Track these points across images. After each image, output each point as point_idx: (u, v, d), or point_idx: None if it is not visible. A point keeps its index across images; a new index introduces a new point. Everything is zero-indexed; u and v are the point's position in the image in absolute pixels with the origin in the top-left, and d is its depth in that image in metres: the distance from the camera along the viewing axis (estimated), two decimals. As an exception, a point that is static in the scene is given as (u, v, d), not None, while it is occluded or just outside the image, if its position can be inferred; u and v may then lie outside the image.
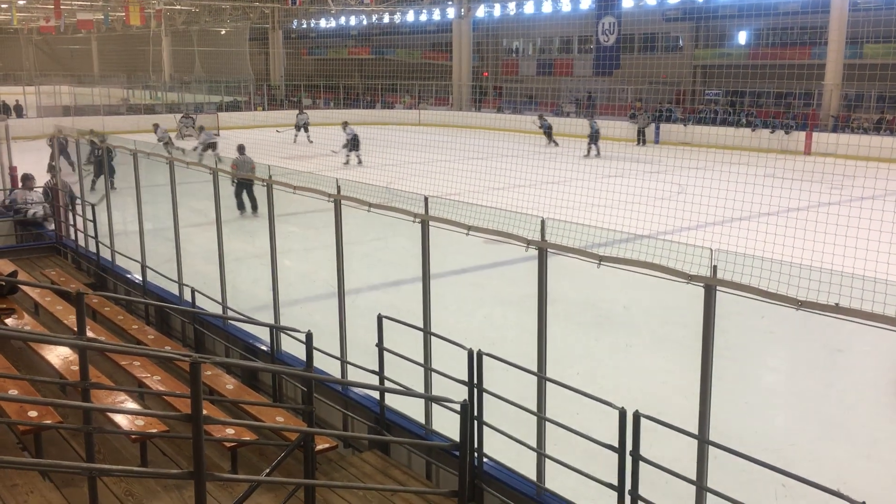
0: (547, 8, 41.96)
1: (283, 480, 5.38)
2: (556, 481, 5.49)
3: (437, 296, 6.56)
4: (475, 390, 5.57)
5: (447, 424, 6.00)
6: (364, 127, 32.24)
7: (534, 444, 5.48)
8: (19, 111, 40.23)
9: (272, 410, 6.56)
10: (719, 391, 4.76)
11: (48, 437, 5.77)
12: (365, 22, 52.14)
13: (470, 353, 5.55)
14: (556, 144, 33.25)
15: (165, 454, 6.00)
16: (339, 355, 7.13)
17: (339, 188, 6.99)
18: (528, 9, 43.05)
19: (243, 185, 17.00)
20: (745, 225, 12.79)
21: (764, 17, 37.78)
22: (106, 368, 7.24)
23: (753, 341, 9.94)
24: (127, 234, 11.69)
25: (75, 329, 5.31)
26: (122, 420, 5.82)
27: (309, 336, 6.07)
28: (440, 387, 6.12)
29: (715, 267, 4.45)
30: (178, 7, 52.79)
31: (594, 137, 30.21)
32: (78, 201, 12.38)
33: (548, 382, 5.43)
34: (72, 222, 12.24)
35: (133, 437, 5.72)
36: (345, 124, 28.38)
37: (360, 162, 26.88)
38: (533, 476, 5.54)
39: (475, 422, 5.58)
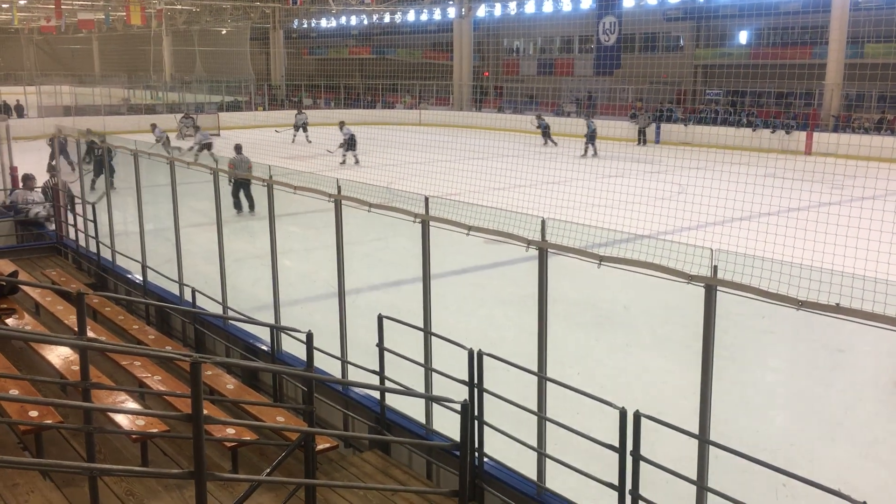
0: (548, 7, 41.97)
1: (284, 480, 5.38)
2: (557, 481, 5.50)
3: (438, 296, 6.56)
4: (475, 390, 5.57)
5: (448, 424, 6.00)
6: (365, 127, 32.26)
7: (534, 444, 5.48)
8: (20, 111, 40.24)
9: (273, 410, 6.56)
10: (720, 391, 4.76)
11: (49, 437, 5.78)
12: (366, 22, 52.17)
13: (470, 353, 5.56)
14: (555, 144, 33.25)
15: (166, 454, 6.01)
16: (339, 355, 7.13)
17: (339, 188, 6.99)
18: (529, 8, 43.05)
19: (240, 185, 17.05)
20: (746, 225, 12.79)
21: (765, 16, 37.77)
22: (106, 368, 7.24)
23: (754, 341, 9.94)
24: (127, 234, 11.70)
25: (76, 329, 5.32)
26: (122, 420, 5.82)
27: (309, 336, 6.07)
28: (440, 387, 6.12)
29: (715, 267, 4.45)
30: (179, 7, 52.81)
31: (591, 137, 30.22)
32: (77, 200, 12.38)
33: (548, 382, 5.43)
34: (72, 222, 12.24)
35: (134, 436, 5.72)
36: (341, 124, 28.44)
37: (356, 161, 26.92)
38: (533, 476, 5.54)
39: (476, 422, 5.58)
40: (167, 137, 25.77)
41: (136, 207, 10.47)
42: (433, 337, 6.29)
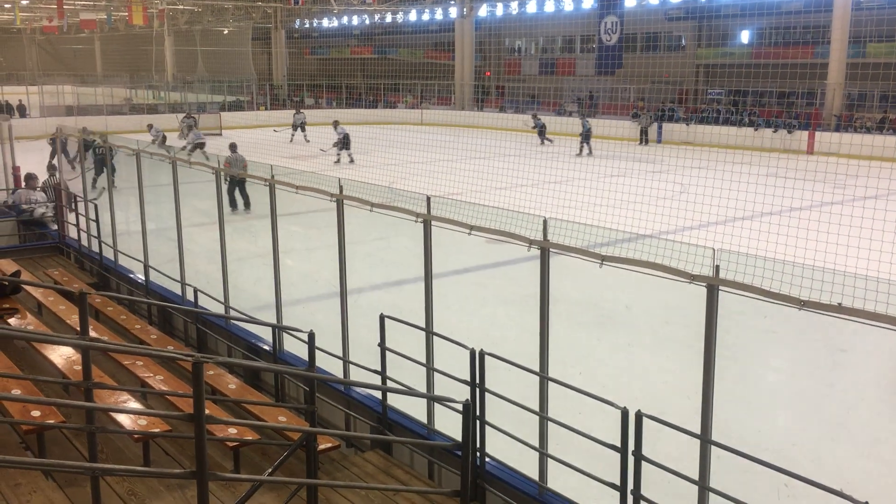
0: (549, 7, 41.98)
1: (286, 480, 5.38)
2: (559, 481, 5.50)
3: (440, 295, 6.57)
4: (477, 390, 5.57)
5: (449, 424, 6.00)
6: (367, 126, 32.24)
7: (536, 444, 5.48)
8: (22, 111, 40.29)
9: (274, 410, 6.56)
10: (721, 391, 4.76)
11: (51, 437, 5.78)
12: (367, 21, 52.19)
13: (472, 352, 5.55)
14: (551, 142, 33.25)
15: (168, 454, 6.01)
16: (341, 355, 7.14)
17: (341, 188, 6.99)
18: (531, 8, 43.05)
19: (235, 183, 17.12)
20: (748, 225, 12.78)
21: (766, 16, 37.73)
22: (109, 368, 7.25)
23: (756, 341, 9.93)
24: (129, 233, 11.71)
25: (78, 329, 5.32)
26: (124, 420, 5.83)
27: (311, 336, 6.07)
28: (442, 386, 6.12)
29: (717, 267, 4.45)
30: (181, 7, 52.83)
31: (586, 136, 30.25)
32: (79, 199, 12.39)
33: (550, 382, 5.43)
34: (74, 222, 12.26)
35: (136, 436, 5.73)
36: (335, 123, 28.54)
37: (351, 160, 26.98)
38: (535, 476, 5.54)
39: (477, 421, 5.58)
40: (163, 136, 25.85)
41: (138, 207, 10.48)
42: (435, 337, 6.29)
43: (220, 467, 5.88)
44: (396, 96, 49.59)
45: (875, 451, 7.44)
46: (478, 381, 5.56)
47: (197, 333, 8.92)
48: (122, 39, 61.26)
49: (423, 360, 6.34)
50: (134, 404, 6.15)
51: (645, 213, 13.21)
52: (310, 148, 31.09)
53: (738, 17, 38.82)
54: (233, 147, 18.61)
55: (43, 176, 15.38)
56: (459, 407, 5.41)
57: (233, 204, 17.22)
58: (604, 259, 5.04)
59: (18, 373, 6.42)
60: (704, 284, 4.51)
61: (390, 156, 25.73)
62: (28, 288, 9.19)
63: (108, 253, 11.21)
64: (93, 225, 11.46)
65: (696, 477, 4.62)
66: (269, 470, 4.98)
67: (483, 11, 46.47)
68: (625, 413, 4.67)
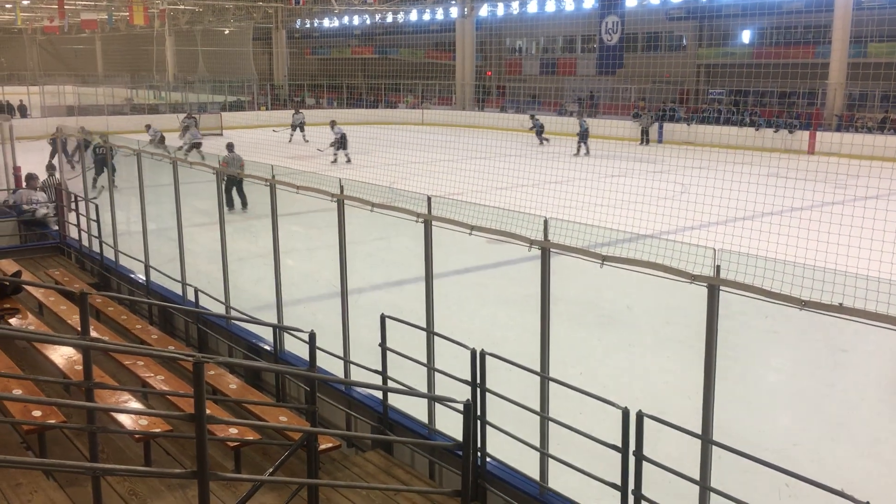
0: (550, 7, 41.97)
1: (287, 480, 5.38)
2: (559, 481, 5.49)
3: (440, 295, 6.57)
4: (478, 390, 5.57)
5: (450, 424, 6.00)
6: (367, 126, 32.27)
7: (537, 444, 5.48)
8: (23, 111, 40.32)
9: (275, 410, 6.56)
10: (722, 391, 4.76)
11: (52, 437, 5.78)
12: (368, 21, 52.19)
13: (473, 352, 5.55)
14: (547, 142, 33.27)
15: (169, 454, 6.01)
16: (342, 355, 7.14)
17: (342, 188, 7.00)
18: (532, 8, 43.05)
19: (232, 182, 17.17)
20: (749, 225, 12.78)
21: (768, 15, 37.72)
22: (109, 368, 7.25)
23: (757, 341, 9.93)
24: (130, 233, 11.71)
25: (79, 329, 5.32)
26: (125, 420, 5.83)
27: (312, 336, 6.07)
28: (443, 386, 6.12)
29: (718, 267, 4.45)
30: (182, 7, 52.86)
31: (583, 136, 30.28)
32: (80, 198, 12.39)
33: (551, 382, 5.43)
34: (75, 222, 12.26)
35: (137, 436, 5.73)
36: (332, 123, 28.67)
37: (348, 160, 27.04)
38: (536, 475, 5.54)
39: (478, 421, 5.58)
40: (161, 136, 25.92)
41: (139, 207, 10.49)
42: (436, 337, 6.29)
43: (220, 467, 5.88)
44: (397, 96, 49.60)
45: (876, 451, 7.43)
46: (478, 381, 5.56)
47: (198, 333, 8.92)
48: (123, 39, 61.29)
49: (424, 360, 6.34)
50: (135, 404, 6.15)
51: (646, 214, 13.21)
52: (309, 148, 31.12)
53: (739, 17, 38.81)
54: (230, 147, 18.83)
55: (43, 176, 15.39)
56: (460, 407, 5.41)
57: (229, 203, 17.27)
58: (604, 259, 5.04)
59: (19, 373, 6.42)
60: (705, 284, 4.51)
61: (391, 156, 25.73)
62: (29, 288, 9.20)
63: (109, 253, 11.21)
64: (93, 225, 11.46)
65: (697, 477, 4.61)
66: (270, 470, 4.98)
67: (484, 11, 46.47)
68: (626, 413, 4.67)
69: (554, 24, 44.98)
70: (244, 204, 17.49)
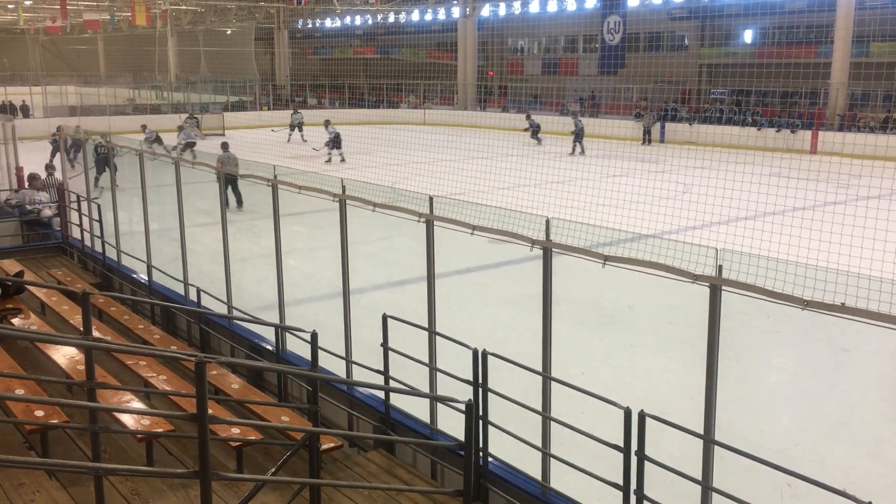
0: (552, 7, 41.94)
1: (289, 480, 5.39)
2: (561, 481, 5.49)
3: (442, 295, 6.57)
4: (480, 390, 5.57)
5: (452, 424, 6.00)
6: (369, 126, 32.28)
7: (539, 444, 5.48)
8: (25, 111, 40.37)
9: (277, 410, 6.57)
10: (724, 391, 4.76)
11: (54, 437, 5.79)
12: (370, 21, 52.20)
13: (475, 352, 5.55)
14: (540, 142, 33.29)
15: (171, 453, 6.02)
16: (344, 355, 7.14)
17: (343, 188, 7.00)
18: (534, 8, 43.03)
19: (227, 181, 17.23)
20: (751, 224, 12.77)
21: (770, 15, 37.69)
22: (112, 368, 7.26)
23: (759, 341, 9.92)
24: (132, 234, 11.73)
25: (81, 329, 5.33)
26: (127, 420, 5.84)
27: (314, 336, 6.08)
28: (445, 386, 6.12)
29: (720, 267, 4.45)
30: (184, 7, 52.90)
31: (578, 136, 30.32)
32: (82, 199, 12.41)
33: (553, 382, 5.43)
34: (77, 222, 12.28)
35: (139, 436, 5.74)
36: (327, 123, 28.85)
37: (342, 160, 27.14)
38: (538, 475, 5.54)
39: (480, 421, 5.58)
40: (157, 136, 26.00)
41: (141, 207, 10.50)
42: (437, 337, 6.29)
43: (223, 467, 5.89)
44: (399, 96, 49.61)
45: (878, 451, 7.43)
46: (480, 381, 5.56)
47: (200, 333, 8.93)
48: (126, 40, 61.36)
49: (426, 360, 6.34)
50: (137, 404, 6.16)
51: (648, 213, 13.21)
52: (307, 148, 31.17)
53: (740, 17, 38.79)
54: (224, 146, 19.16)
55: (44, 175, 15.41)
56: (462, 407, 5.41)
57: (225, 202, 17.36)
58: (606, 259, 5.04)
59: (22, 373, 6.43)
60: (707, 284, 4.51)
61: (393, 156, 25.74)
62: (31, 288, 9.21)
63: (112, 253, 11.23)
64: (96, 225, 11.48)
65: (699, 477, 4.61)
66: (273, 470, 4.99)
67: (486, 11, 46.46)
68: (628, 413, 4.67)
69: (556, 23, 44.97)
70: (239, 203, 17.58)
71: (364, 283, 11.20)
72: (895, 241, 8.85)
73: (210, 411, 3.87)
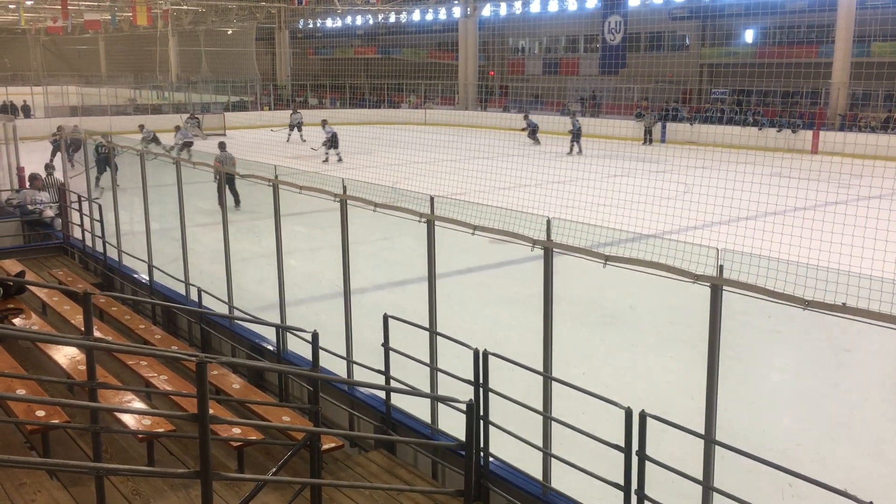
0: (553, 7, 41.94)
1: (290, 480, 5.39)
2: (562, 481, 5.49)
3: (443, 295, 6.57)
4: (481, 390, 5.57)
5: (453, 424, 6.00)
6: (370, 126, 32.29)
7: (540, 444, 5.48)
8: (27, 111, 40.40)
9: (278, 410, 6.57)
10: (725, 391, 4.76)
11: (56, 437, 5.79)
12: (371, 21, 52.20)
13: (476, 352, 5.55)
14: (538, 142, 33.28)
15: (172, 453, 6.02)
16: (345, 355, 7.14)
17: (344, 188, 7.00)
18: (534, 8, 43.03)
19: (224, 181, 17.28)
20: (752, 224, 12.77)
21: (771, 15, 37.68)
22: (113, 368, 7.26)
23: (760, 341, 9.92)
24: (133, 234, 11.73)
25: (82, 329, 5.33)
26: (129, 420, 5.84)
27: (315, 336, 6.08)
28: (446, 386, 6.12)
29: (721, 266, 4.44)
30: (185, 7, 52.92)
31: (576, 135, 30.34)
32: (83, 199, 12.42)
33: (553, 382, 5.43)
34: (78, 222, 12.28)
35: (140, 436, 5.74)
36: (324, 122, 28.89)
37: (339, 159, 27.22)
38: (539, 475, 5.54)
39: (481, 421, 5.58)
40: (154, 136, 26.05)
41: (142, 207, 10.50)
42: (438, 337, 6.29)
43: (224, 467, 5.89)
44: (400, 96, 49.61)
45: (879, 451, 7.42)
46: (481, 381, 5.56)
47: (201, 333, 8.93)
48: (127, 40, 61.38)
49: (427, 360, 6.34)
50: (138, 404, 6.16)
51: (649, 213, 13.21)
52: (307, 147, 31.20)
53: (741, 17, 38.77)
54: (222, 146, 19.35)
55: (43, 175, 15.42)
56: (463, 407, 5.41)
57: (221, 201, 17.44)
58: (607, 259, 5.04)
59: (23, 373, 6.43)
60: (708, 284, 4.51)
61: (394, 156, 25.74)
62: (32, 288, 9.21)
63: (113, 253, 11.23)
64: (97, 225, 11.48)
65: (700, 477, 4.61)
66: (273, 470, 4.99)
67: (486, 11, 46.46)
68: (628, 413, 4.67)
69: (557, 23, 44.97)
70: (236, 202, 17.62)
71: (365, 283, 11.21)
72: (896, 241, 8.85)
73: (211, 411, 3.87)
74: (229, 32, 57.40)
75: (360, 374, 7.02)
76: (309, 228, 15.40)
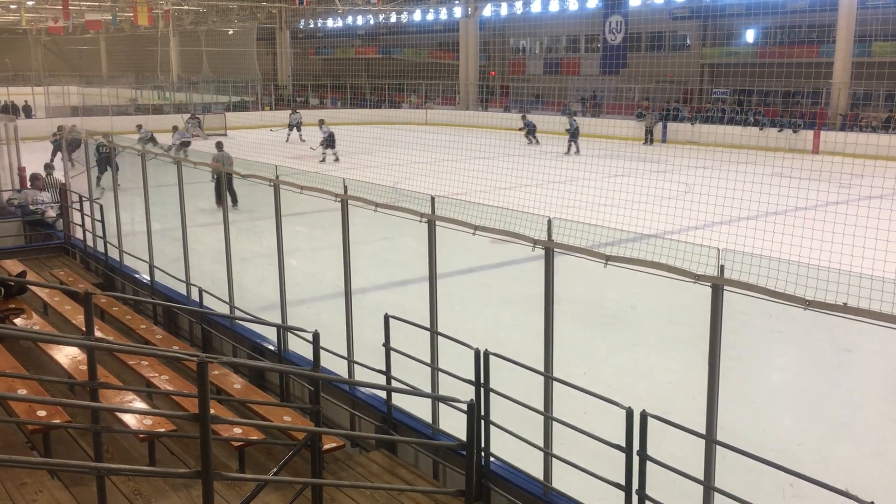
0: (554, 7, 41.92)
1: (291, 480, 5.39)
2: (563, 481, 5.49)
3: (444, 295, 6.57)
4: (482, 390, 5.57)
5: (454, 424, 6.00)
6: (371, 126, 32.30)
7: (541, 444, 5.48)
8: (28, 111, 40.42)
9: (279, 410, 6.57)
10: (726, 391, 4.75)
11: (57, 437, 5.80)
12: (372, 21, 52.21)
13: (477, 352, 5.56)
14: (537, 143, 33.27)
15: (173, 453, 6.02)
16: (346, 355, 7.15)
17: (345, 188, 7.00)
18: (535, 7, 43.02)
19: (222, 180, 17.32)
20: (753, 224, 12.77)
21: (771, 15, 37.66)
22: (114, 368, 7.27)
23: (761, 341, 9.92)
24: (135, 234, 11.74)
25: (84, 329, 5.34)
26: (130, 419, 5.84)
27: (316, 336, 6.08)
28: (447, 386, 6.13)
29: (722, 266, 4.44)
30: (186, 7, 52.94)
31: (573, 135, 30.33)
32: (84, 199, 12.43)
33: (554, 382, 5.43)
34: (79, 222, 12.29)
35: (141, 436, 5.74)
36: (321, 122, 28.94)
37: (336, 159, 27.28)
38: (540, 475, 5.54)
39: (482, 421, 5.58)
40: (151, 136, 26.09)
41: (143, 207, 10.51)
42: (439, 336, 6.29)
43: (225, 467, 5.90)
44: (401, 96, 49.61)
45: (881, 451, 7.42)
46: (482, 380, 5.57)
47: (202, 333, 8.93)
48: (128, 40, 61.43)
49: (428, 360, 6.35)
50: (139, 404, 6.16)
51: (649, 213, 13.20)
52: (307, 147, 31.24)
53: (742, 17, 38.75)
54: (219, 146, 19.53)
55: (43, 175, 15.43)
56: (464, 407, 5.41)
57: (219, 201, 17.44)
58: (608, 259, 5.04)
59: (24, 373, 6.44)
60: (709, 284, 4.50)
61: (395, 156, 25.73)
62: (34, 288, 9.22)
63: (114, 253, 11.24)
64: (98, 225, 11.49)
65: (701, 477, 4.61)
66: (275, 470, 4.99)
67: (487, 11, 46.45)
68: (629, 413, 4.67)
69: (557, 23, 44.95)
70: (234, 201, 17.64)
71: (366, 283, 11.21)
72: (897, 241, 8.84)
73: (212, 411, 3.87)
74: (230, 32, 57.42)
75: (361, 374, 7.02)
76: (310, 228, 15.40)
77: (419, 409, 6.50)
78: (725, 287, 4.46)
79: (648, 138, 34.48)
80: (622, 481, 4.78)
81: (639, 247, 4.98)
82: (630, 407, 4.69)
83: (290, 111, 37.09)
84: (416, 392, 6.14)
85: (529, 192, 16.00)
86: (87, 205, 11.95)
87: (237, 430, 5.79)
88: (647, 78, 40.50)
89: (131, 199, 12.40)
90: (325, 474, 5.67)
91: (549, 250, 5.35)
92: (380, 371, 6.49)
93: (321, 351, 6.11)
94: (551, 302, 5.44)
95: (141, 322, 8.67)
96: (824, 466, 6.94)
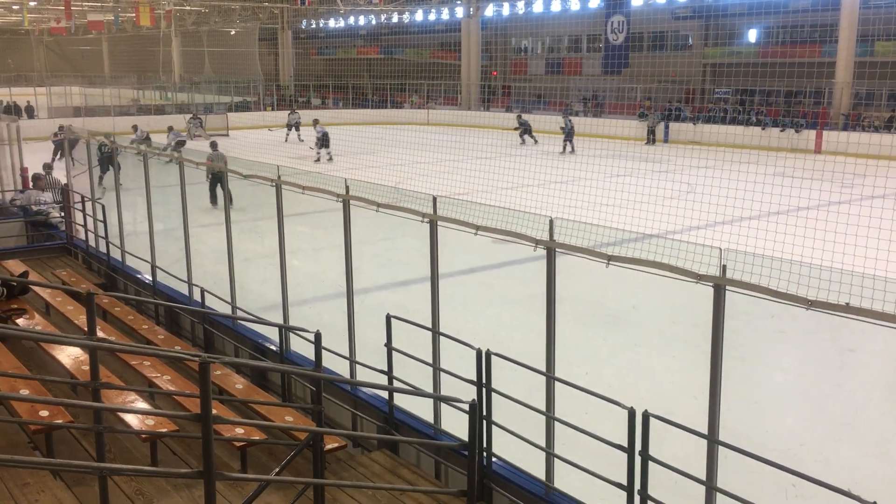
0: (556, 7, 41.91)
1: (293, 480, 5.39)
2: (565, 481, 5.49)
3: (446, 295, 6.57)
4: (484, 390, 5.57)
5: (456, 424, 6.00)
6: (372, 127, 32.32)
7: (542, 444, 5.48)
8: (30, 112, 40.47)
9: (281, 410, 6.57)
10: (728, 391, 4.75)
11: (59, 437, 5.80)
12: (374, 22, 52.23)
13: (478, 352, 5.55)
14: (536, 142, 33.25)
15: (175, 453, 6.03)
16: (347, 355, 7.15)
17: (347, 188, 7.00)
18: (537, 7, 43.01)
19: (217, 179, 17.31)
20: (755, 224, 12.76)
21: (774, 14, 37.63)
22: (116, 368, 7.28)
23: (763, 341, 9.91)
24: (137, 234, 11.75)
25: (86, 329, 5.34)
26: (132, 420, 5.85)
27: (318, 336, 6.08)
28: (449, 386, 6.13)
29: (724, 266, 4.44)
30: (188, 8, 52.99)
31: (569, 135, 30.32)
32: (86, 200, 12.44)
33: (556, 382, 5.43)
34: (82, 222, 12.30)
35: (143, 436, 5.75)
36: (315, 122, 28.95)
37: (330, 159, 27.33)
38: (542, 475, 5.54)
39: (484, 421, 5.58)
40: (146, 136, 26.12)
41: (145, 207, 10.51)
42: (441, 337, 6.29)
43: (227, 467, 5.90)
44: (402, 96, 49.63)
45: (883, 451, 7.41)
46: (484, 381, 5.57)
47: (204, 333, 8.94)
48: (130, 40, 61.48)
49: (430, 361, 6.34)
50: (141, 404, 6.17)
51: (651, 213, 13.20)
52: (306, 147, 31.28)
53: (745, 16, 38.71)
54: (213, 145, 20.10)
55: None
56: (466, 407, 5.41)
57: (213, 200, 17.45)
58: (610, 259, 5.04)
59: (27, 373, 6.44)
60: (711, 284, 4.50)
61: (396, 156, 25.75)
62: (36, 288, 9.23)
63: (116, 253, 11.25)
64: (100, 225, 11.50)
65: (703, 477, 4.61)
66: (276, 470, 4.99)
67: (489, 11, 46.46)
68: (631, 413, 4.67)
69: (559, 23, 44.93)
70: (230, 200, 17.68)
71: (368, 284, 11.21)
72: (900, 241, 8.82)
73: (214, 411, 3.87)
74: (232, 33, 57.45)
75: (362, 375, 7.03)
76: (312, 229, 15.41)
77: (421, 409, 6.50)
78: (727, 287, 4.46)
79: (650, 138, 34.46)
80: (624, 481, 4.78)
81: (641, 247, 4.98)
82: (632, 407, 4.69)
83: (288, 111, 37.13)
84: (417, 392, 6.14)
85: (531, 193, 15.99)
86: (88, 205, 11.96)
87: (239, 431, 5.79)
88: (649, 78, 40.49)
89: (133, 199, 12.41)
90: (326, 474, 5.67)
91: (551, 250, 5.35)
92: (381, 371, 6.49)
93: (323, 351, 6.11)
94: (553, 302, 5.43)
95: (143, 322, 8.68)
96: (826, 466, 6.93)
